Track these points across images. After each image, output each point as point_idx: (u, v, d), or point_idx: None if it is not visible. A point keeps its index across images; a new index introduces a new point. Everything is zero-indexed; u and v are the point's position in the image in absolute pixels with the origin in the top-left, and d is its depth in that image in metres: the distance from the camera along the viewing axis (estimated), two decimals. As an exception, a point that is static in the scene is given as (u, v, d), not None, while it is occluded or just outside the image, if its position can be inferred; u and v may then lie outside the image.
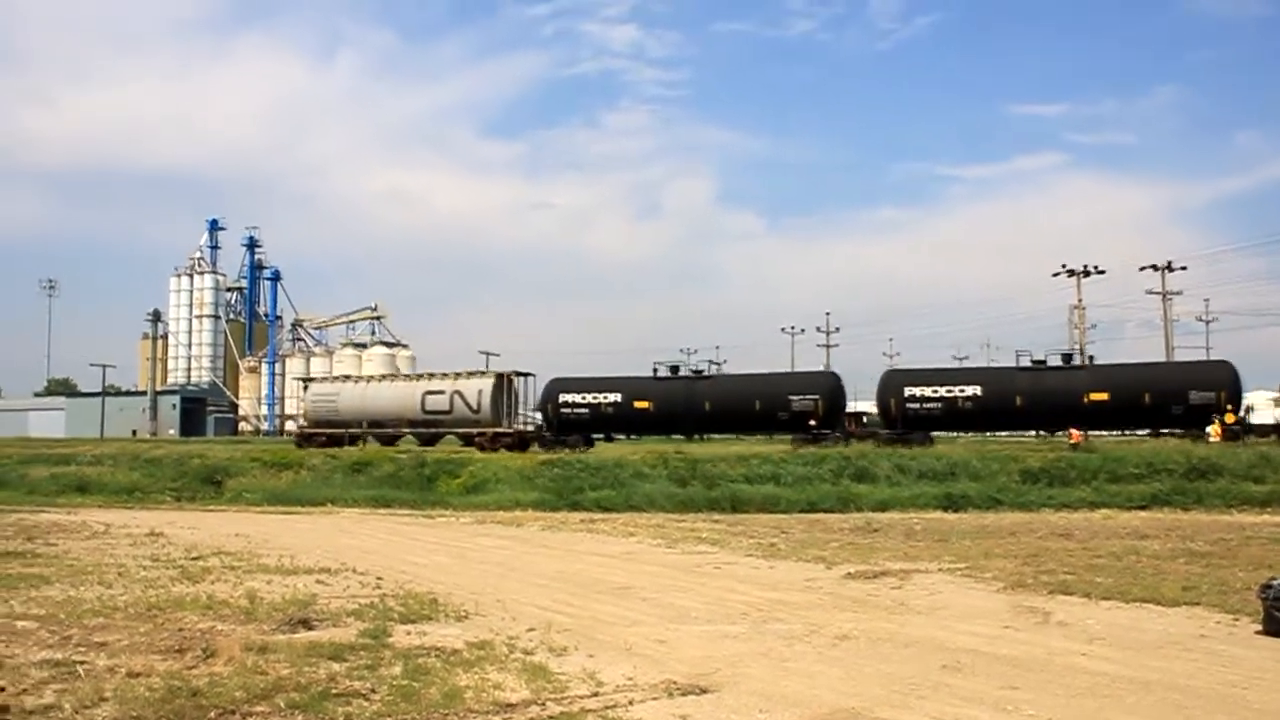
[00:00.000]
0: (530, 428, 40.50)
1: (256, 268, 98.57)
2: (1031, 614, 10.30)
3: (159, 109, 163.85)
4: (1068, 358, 36.62)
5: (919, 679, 7.51)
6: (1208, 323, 69.97)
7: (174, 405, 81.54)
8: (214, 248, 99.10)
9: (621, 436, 39.60)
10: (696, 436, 38.96)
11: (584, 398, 38.56)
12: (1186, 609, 10.39)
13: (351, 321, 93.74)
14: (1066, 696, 7.05)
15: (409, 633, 9.13)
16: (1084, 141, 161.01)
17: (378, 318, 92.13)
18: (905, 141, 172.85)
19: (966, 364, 61.58)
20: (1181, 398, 32.30)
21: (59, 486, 32.11)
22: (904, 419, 34.78)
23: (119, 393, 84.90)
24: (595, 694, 7.05)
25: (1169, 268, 55.28)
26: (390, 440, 39.60)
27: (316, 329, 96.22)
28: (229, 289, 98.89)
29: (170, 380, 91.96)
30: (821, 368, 62.37)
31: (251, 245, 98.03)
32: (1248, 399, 34.75)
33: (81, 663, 7.71)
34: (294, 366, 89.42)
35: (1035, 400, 33.84)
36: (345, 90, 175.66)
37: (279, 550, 16.06)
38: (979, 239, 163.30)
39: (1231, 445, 28.10)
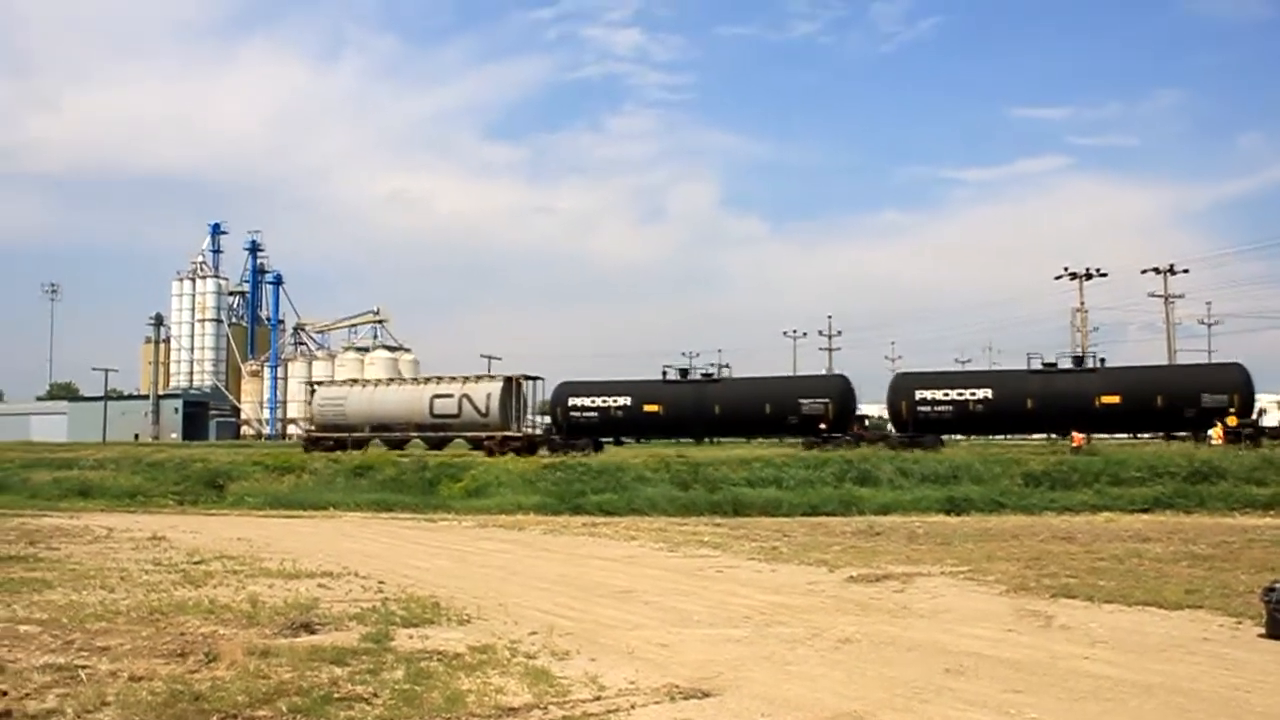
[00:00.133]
0: (539, 431, 40.50)
1: (259, 271, 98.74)
2: (1034, 617, 10.28)
3: (161, 112, 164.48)
4: (1079, 360, 36.54)
5: (921, 682, 7.50)
6: (1210, 326, 70.11)
7: (176, 409, 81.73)
8: (216, 251, 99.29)
9: (631, 440, 39.50)
10: (706, 440, 38.91)
11: (593, 401, 38.53)
12: (1189, 612, 10.37)
13: (354, 325, 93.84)
14: (1069, 700, 7.04)
15: (411, 636, 9.13)
16: (1086, 144, 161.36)
17: (380, 321, 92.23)
18: (908, 145, 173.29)
19: (970, 367, 61.66)
20: (1194, 400, 32.17)
21: (61, 491, 32.10)
22: (915, 422, 34.73)
23: (121, 397, 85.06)
24: (597, 698, 7.05)
25: (1171, 270, 55.35)
26: (398, 444, 39.56)
27: (319, 333, 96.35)
28: (231, 293, 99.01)
29: (172, 384, 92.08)
30: (825, 371, 62.42)
31: (254, 249, 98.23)
32: (1260, 401, 34.59)
33: (84, 667, 7.70)
34: (296, 370, 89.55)
35: (1046, 403, 33.75)
36: (348, 94, 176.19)
37: (281, 554, 16.05)
38: (981, 242, 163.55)
39: (1234, 448, 28.04)
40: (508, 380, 39.25)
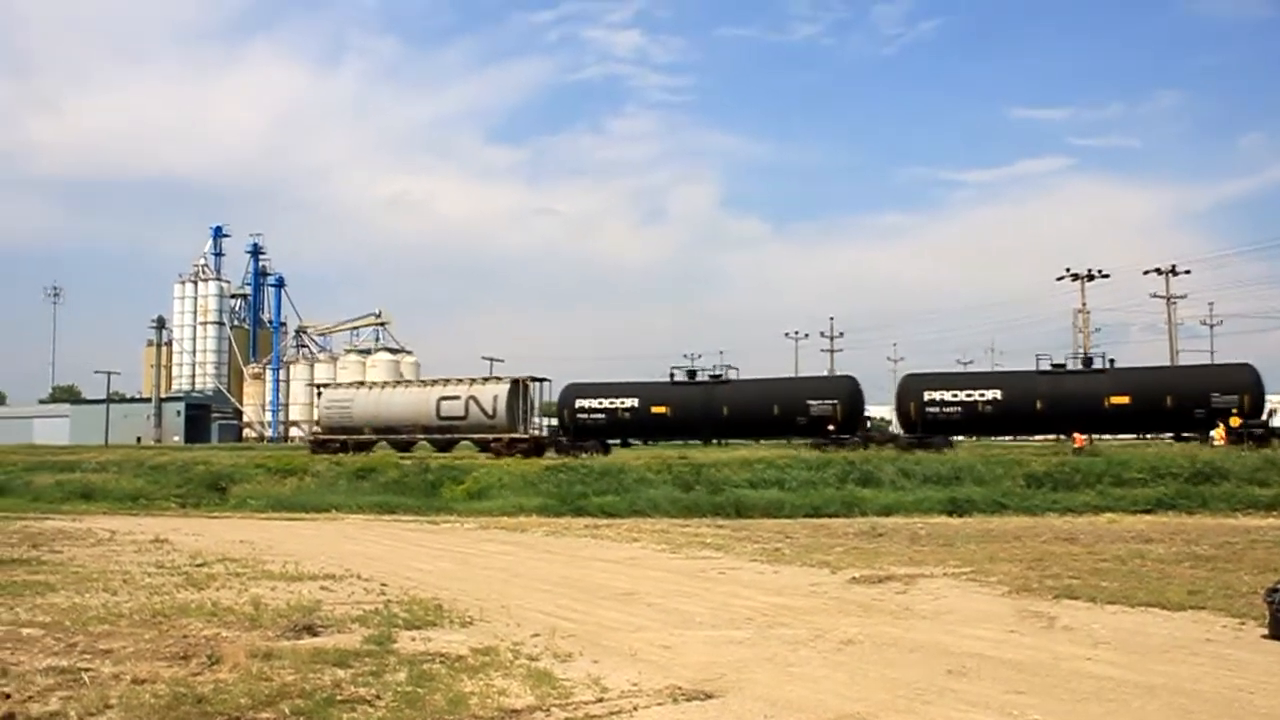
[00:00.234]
0: (545, 433, 40.48)
1: (260, 274, 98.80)
2: (1036, 618, 10.28)
3: (164, 115, 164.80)
4: (1088, 361, 36.50)
5: (924, 684, 7.50)
6: (1212, 326, 70.04)
7: (178, 412, 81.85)
8: (218, 254, 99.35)
9: (638, 442, 39.41)
10: (714, 441, 38.84)
11: (600, 403, 38.50)
12: (1192, 613, 10.36)
13: (355, 328, 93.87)
14: (1072, 701, 7.04)
15: (413, 639, 9.13)
16: (1087, 145, 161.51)
17: (382, 324, 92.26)
18: (909, 146, 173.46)
19: (972, 368, 61.58)
20: (1204, 401, 32.07)
21: (64, 493, 32.14)
22: (924, 423, 34.67)
23: (123, 399, 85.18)
24: (600, 700, 7.05)
25: (1173, 271, 55.38)
26: (405, 446, 39.55)
27: (320, 335, 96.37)
28: (233, 296, 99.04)
29: (174, 387, 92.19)
30: (827, 372, 62.37)
31: (255, 252, 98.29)
32: (1270, 402, 34.44)
33: (87, 669, 7.71)
34: (298, 373, 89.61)
35: (1056, 404, 33.68)
36: (350, 97, 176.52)
37: (283, 557, 16.05)
38: (982, 243, 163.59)
39: (1237, 448, 28.00)
40: (514, 382, 39.21)
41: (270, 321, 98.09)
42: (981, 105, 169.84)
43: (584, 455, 34.06)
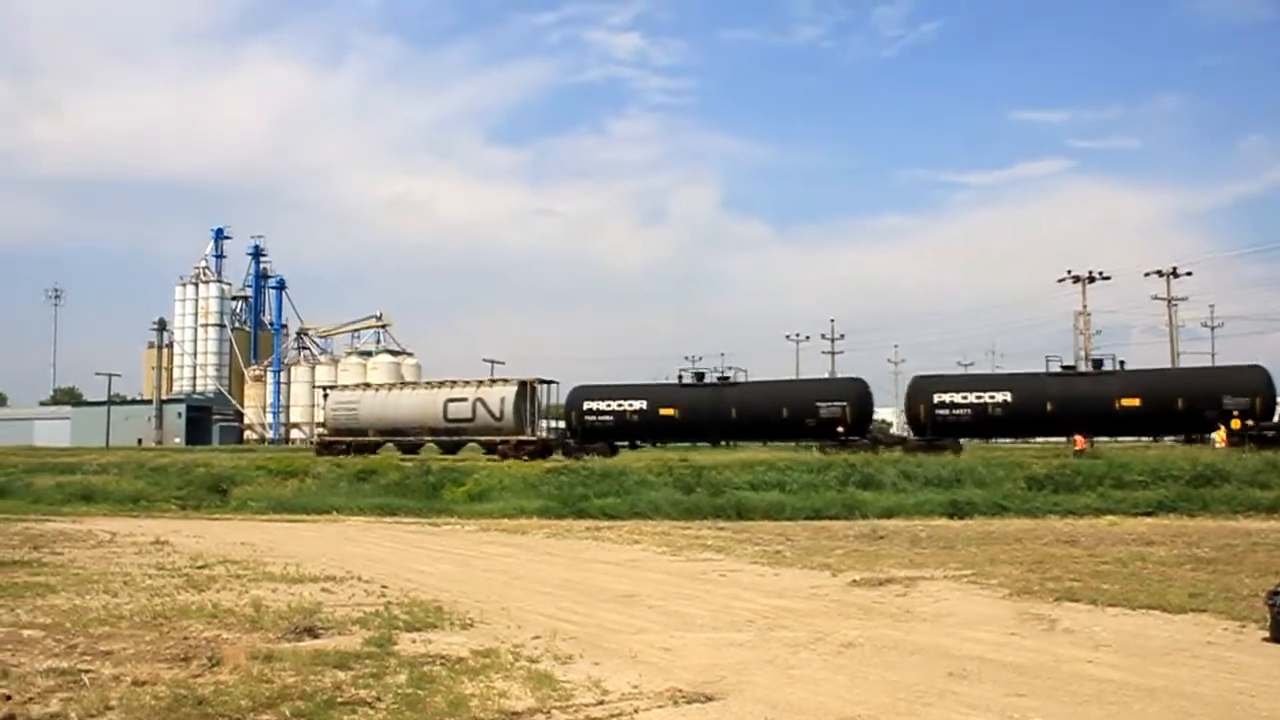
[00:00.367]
0: (552, 435, 40.45)
1: (261, 276, 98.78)
2: (1037, 621, 10.27)
3: (165, 117, 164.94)
4: (1098, 363, 36.47)
5: (925, 686, 7.50)
6: (1213, 329, 69.96)
7: (179, 414, 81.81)
8: (219, 256, 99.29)
9: (646, 444, 39.35)
10: (723, 443, 38.78)
11: (608, 405, 38.44)
12: (1193, 615, 10.35)
13: (356, 330, 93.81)
14: (1073, 704, 7.04)
15: (414, 641, 9.13)
16: (1087, 147, 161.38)
17: (383, 326, 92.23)
18: (910, 148, 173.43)
19: (973, 370, 61.49)
20: (1215, 403, 31.94)
21: (64, 495, 32.16)
22: (933, 425, 34.61)
23: (124, 401, 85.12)
24: (601, 702, 7.05)
25: (1174, 273, 55.39)
26: (412, 448, 39.52)
27: (321, 337, 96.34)
28: (234, 297, 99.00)
29: (175, 389, 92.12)
30: (828, 374, 62.34)
31: (256, 254, 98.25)
32: None
33: (87, 671, 7.71)
34: (299, 375, 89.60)
35: (1066, 406, 33.57)
36: (351, 98, 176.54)
37: (284, 558, 16.05)
38: (983, 245, 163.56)
39: (1238, 450, 27.98)
40: (522, 384, 39.16)
41: (271, 323, 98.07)
42: (982, 107, 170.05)
43: (594, 457, 33.95)
